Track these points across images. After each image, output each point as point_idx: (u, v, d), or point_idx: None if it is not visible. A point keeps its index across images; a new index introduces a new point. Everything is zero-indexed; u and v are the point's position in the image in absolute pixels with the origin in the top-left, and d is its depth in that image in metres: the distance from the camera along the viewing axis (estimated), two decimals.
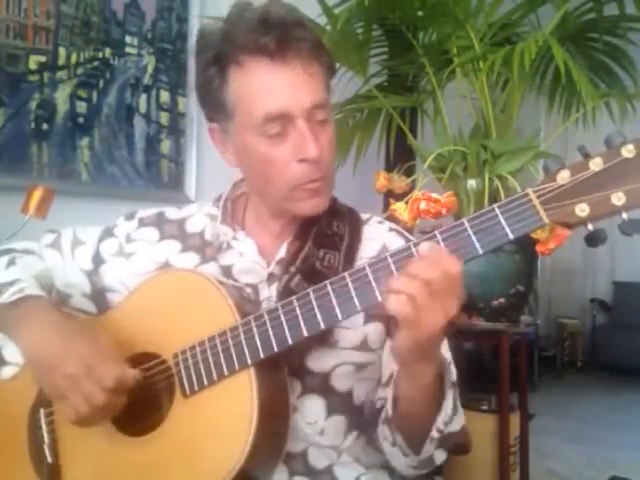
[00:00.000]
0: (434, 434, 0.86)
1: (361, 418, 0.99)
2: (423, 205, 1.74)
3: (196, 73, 0.98)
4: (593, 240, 0.73)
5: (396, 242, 1.02)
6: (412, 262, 0.74)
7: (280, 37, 0.89)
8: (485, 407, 2.38)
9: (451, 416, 0.87)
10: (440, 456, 0.91)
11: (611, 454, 3.38)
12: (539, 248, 1.65)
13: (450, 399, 0.87)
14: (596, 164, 0.71)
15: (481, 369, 3.22)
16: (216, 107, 0.96)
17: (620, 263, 5.63)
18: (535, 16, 2.34)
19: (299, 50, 0.91)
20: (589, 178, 0.71)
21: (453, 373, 0.94)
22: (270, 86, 0.90)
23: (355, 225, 1.04)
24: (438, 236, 0.76)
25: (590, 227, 0.73)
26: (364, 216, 1.07)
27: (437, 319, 0.73)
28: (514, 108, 2.19)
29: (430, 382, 0.82)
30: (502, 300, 2.04)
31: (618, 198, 0.70)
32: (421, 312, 0.72)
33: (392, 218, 1.71)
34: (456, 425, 0.90)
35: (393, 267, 0.77)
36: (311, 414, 0.95)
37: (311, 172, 0.92)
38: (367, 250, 1.01)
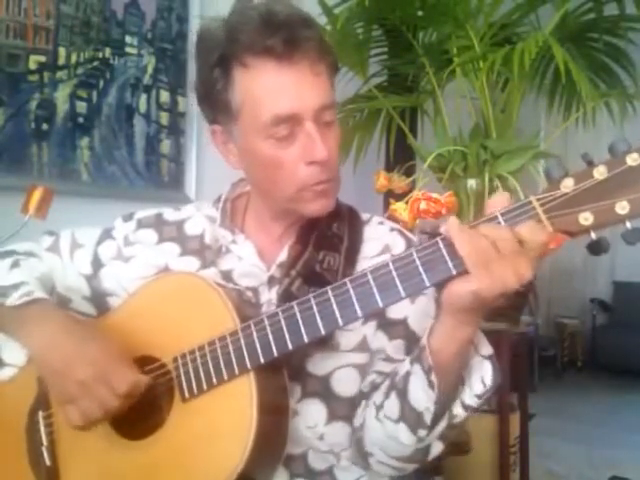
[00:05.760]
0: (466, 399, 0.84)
1: None
2: (423, 205, 1.74)
3: (198, 75, 0.96)
4: (596, 249, 0.73)
5: (398, 242, 1.01)
6: (484, 224, 0.73)
7: (287, 38, 0.87)
8: (485, 407, 2.37)
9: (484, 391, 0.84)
10: (437, 447, 0.89)
11: (611, 454, 3.37)
12: None
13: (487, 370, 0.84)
14: (600, 172, 0.70)
15: None
16: (220, 109, 0.94)
17: (620, 263, 5.62)
18: (535, 16, 2.34)
19: (306, 50, 0.88)
20: (593, 186, 0.70)
21: (487, 347, 0.89)
22: (278, 88, 0.88)
23: (355, 225, 1.03)
24: (440, 243, 0.75)
25: (593, 236, 0.72)
26: (365, 216, 1.06)
27: (506, 278, 0.72)
28: (514, 108, 2.19)
29: (470, 339, 0.81)
30: (502, 300, 2.03)
31: (622, 207, 0.69)
32: (491, 266, 0.71)
33: (392, 218, 1.71)
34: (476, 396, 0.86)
35: (394, 273, 0.77)
36: (311, 418, 0.94)
37: (319, 174, 0.91)
38: (369, 250, 1.00)
